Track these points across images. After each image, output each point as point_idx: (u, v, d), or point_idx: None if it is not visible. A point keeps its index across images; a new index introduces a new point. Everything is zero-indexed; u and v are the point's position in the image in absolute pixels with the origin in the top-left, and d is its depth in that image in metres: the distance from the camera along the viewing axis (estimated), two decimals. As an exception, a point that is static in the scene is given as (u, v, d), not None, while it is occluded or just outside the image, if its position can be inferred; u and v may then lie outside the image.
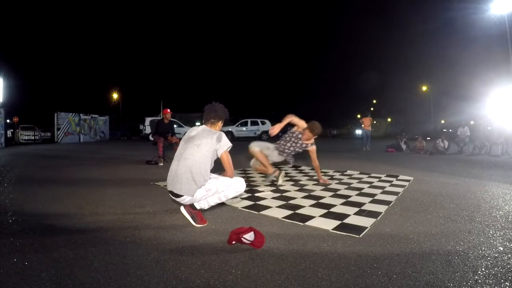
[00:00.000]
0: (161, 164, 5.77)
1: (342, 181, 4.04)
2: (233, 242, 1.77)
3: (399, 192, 3.31)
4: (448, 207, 2.71)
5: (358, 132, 11.12)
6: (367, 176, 4.46)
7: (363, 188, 3.52)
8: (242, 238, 1.74)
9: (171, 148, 5.99)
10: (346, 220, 2.29)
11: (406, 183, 3.86)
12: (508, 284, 1.35)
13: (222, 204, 2.57)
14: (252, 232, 1.77)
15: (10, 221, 2.21)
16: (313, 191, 3.37)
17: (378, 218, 2.34)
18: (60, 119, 16.60)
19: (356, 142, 19.78)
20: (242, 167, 5.02)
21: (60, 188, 3.46)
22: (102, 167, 5.58)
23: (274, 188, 3.51)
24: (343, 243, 1.84)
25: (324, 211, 2.54)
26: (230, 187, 2.24)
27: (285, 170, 4.76)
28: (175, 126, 9.57)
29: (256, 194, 3.16)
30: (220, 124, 2.35)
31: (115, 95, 34.72)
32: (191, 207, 2.19)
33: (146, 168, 5.41)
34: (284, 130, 4.32)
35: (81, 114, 18.13)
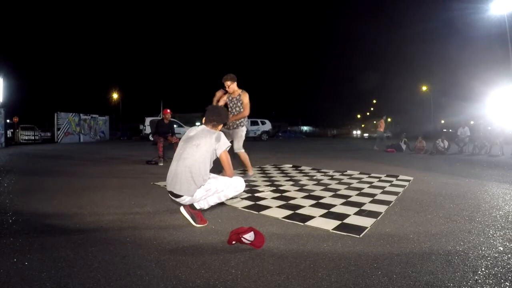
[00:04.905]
0: (161, 164, 5.78)
1: (342, 181, 4.04)
2: (233, 242, 1.77)
3: (399, 192, 3.31)
4: (448, 207, 2.71)
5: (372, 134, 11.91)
6: (367, 176, 4.46)
7: (363, 188, 3.52)
8: (242, 238, 1.74)
9: (171, 148, 5.99)
10: (346, 220, 2.29)
11: (406, 183, 3.86)
12: (508, 284, 1.35)
13: (222, 204, 2.58)
14: (252, 232, 1.77)
15: (10, 221, 2.21)
16: (313, 191, 3.37)
17: (378, 218, 2.34)
18: (60, 119, 16.62)
19: (356, 142, 19.79)
20: (242, 167, 5.01)
21: (60, 188, 3.46)
22: (102, 167, 5.58)
23: (274, 188, 3.51)
24: (343, 243, 1.84)
25: (324, 211, 2.54)
26: (230, 187, 2.24)
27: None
28: (175, 126, 9.58)
29: (256, 194, 3.15)
30: (220, 127, 2.35)
31: (115, 95, 34.75)
32: (191, 207, 2.19)
33: (146, 168, 5.41)
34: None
35: (81, 114, 18.14)
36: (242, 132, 3.98)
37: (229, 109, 4.07)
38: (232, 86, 3.93)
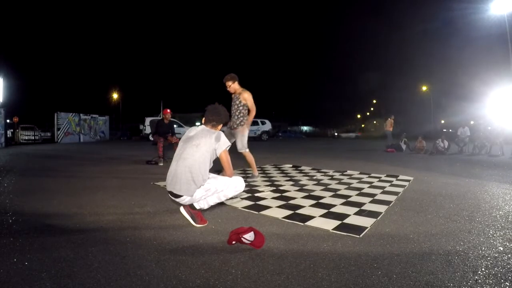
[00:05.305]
0: (161, 164, 5.78)
1: (342, 181, 4.04)
2: (233, 242, 1.77)
3: (399, 192, 3.30)
4: (448, 207, 2.71)
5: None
6: (367, 176, 4.46)
7: (363, 188, 3.51)
8: (242, 238, 1.74)
9: (171, 148, 5.99)
10: (346, 220, 2.28)
11: (406, 183, 3.86)
12: (508, 284, 1.35)
13: (222, 204, 2.58)
14: (252, 232, 1.77)
15: (10, 221, 2.21)
16: (313, 191, 3.37)
17: (378, 218, 2.34)
18: (60, 119, 16.63)
19: (356, 142, 19.80)
20: (242, 167, 5.02)
21: (60, 188, 3.46)
22: (102, 167, 5.58)
23: (274, 188, 3.51)
24: (343, 243, 1.84)
25: (324, 211, 2.54)
26: (230, 187, 2.24)
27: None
28: (175, 126, 9.59)
29: (256, 194, 3.15)
30: (220, 127, 2.35)
31: (115, 95, 34.76)
32: (190, 207, 2.19)
33: (146, 168, 5.41)
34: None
35: (81, 114, 18.16)
36: (244, 132, 3.96)
37: (231, 108, 4.07)
38: (233, 85, 3.93)
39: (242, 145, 3.94)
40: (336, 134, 42.62)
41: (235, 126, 3.98)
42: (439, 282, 1.37)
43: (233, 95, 4.05)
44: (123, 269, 1.49)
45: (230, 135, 4.01)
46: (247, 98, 3.92)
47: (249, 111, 4.00)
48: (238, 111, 3.97)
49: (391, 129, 11.92)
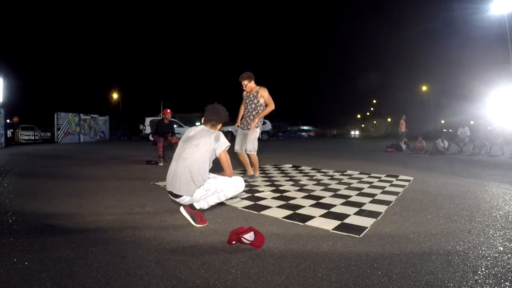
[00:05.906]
0: (161, 164, 5.78)
1: (342, 181, 4.04)
2: (233, 242, 1.77)
3: (399, 192, 3.30)
4: (448, 207, 2.71)
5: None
6: (367, 176, 4.46)
7: (363, 188, 3.51)
8: (242, 238, 1.74)
9: (171, 148, 5.99)
10: (346, 220, 2.29)
11: (406, 183, 3.86)
12: (508, 284, 1.35)
13: (222, 204, 2.58)
14: (252, 232, 1.77)
15: (10, 221, 2.21)
16: (313, 191, 3.37)
17: (378, 218, 2.34)
18: (60, 119, 16.63)
19: (356, 142, 19.79)
20: (242, 167, 5.01)
21: (60, 188, 3.46)
22: (102, 167, 5.59)
23: (274, 188, 3.51)
24: (343, 243, 1.84)
25: (324, 211, 2.54)
26: (229, 187, 2.24)
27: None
28: (175, 126, 9.59)
29: (256, 194, 3.15)
30: (219, 126, 2.35)
31: (115, 95, 34.77)
32: (190, 207, 2.19)
33: (146, 168, 5.41)
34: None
35: (81, 114, 18.16)
36: (256, 134, 3.90)
37: (245, 107, 4.02)
38: (249, 85, 3.87)
39: (253, 147, 3.86)
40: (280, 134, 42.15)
41: (248, 127, 3.91)
42: (439, 282, 1.37)
43: (248, 94, 3.96)
44: (123, 269, 1.49)
45: (243, 135, 3.97)
46: (264, 94, 3.86)
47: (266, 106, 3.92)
48: (256, 111, 3.89)
49: (402, 129, 11.93)
